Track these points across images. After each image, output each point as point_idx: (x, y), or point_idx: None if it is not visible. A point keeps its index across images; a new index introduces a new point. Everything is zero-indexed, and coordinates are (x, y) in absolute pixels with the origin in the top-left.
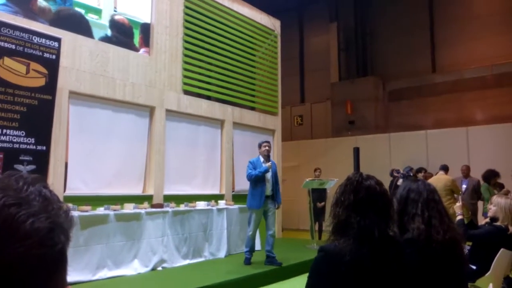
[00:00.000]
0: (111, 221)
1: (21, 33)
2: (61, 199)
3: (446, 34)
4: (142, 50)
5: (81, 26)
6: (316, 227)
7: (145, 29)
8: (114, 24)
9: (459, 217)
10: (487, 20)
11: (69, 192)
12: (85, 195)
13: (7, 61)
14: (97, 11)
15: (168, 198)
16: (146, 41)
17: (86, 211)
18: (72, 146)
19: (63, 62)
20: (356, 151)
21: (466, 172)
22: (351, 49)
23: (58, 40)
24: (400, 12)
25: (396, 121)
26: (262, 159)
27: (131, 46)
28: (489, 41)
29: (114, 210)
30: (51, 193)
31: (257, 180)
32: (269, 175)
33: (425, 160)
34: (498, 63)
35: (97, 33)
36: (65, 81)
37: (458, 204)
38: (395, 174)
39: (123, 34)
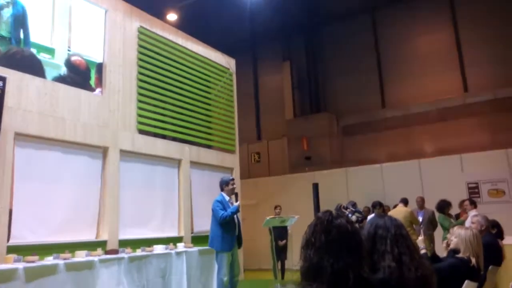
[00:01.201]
0: (61, 271)
1: None
2: (4, 250)
3: (393, 72)
4: (98, 90)
5: (32, 66)
6: (279, 266)
7: (100, 69)
8: (70, 65)
9: (422, 251)
10: (429, 59)
11: (14, 241)
12: (32, 244)
13: None
14: (50, 51)
15: (124, 243)
16: (101, 81)
17: (33, 261)
18: (18, 191)
19: (8, 102)
20: (315, 187)
21: (421, 203)
22: (304, 86)
23: (3, 79)
24: (348, 52)
25: (351, 155)
26: (228, 198)
27: (86, 87)
28: (432, 78)
29: (64, 259)
30: None
31: (228, 221)
32: (235, 215)
33: (382, 193)
34: (441, 98)
35: (50, 72)
36: (10, 122)
37: (421, 238)
38: (344, 211)
39: (79, 75)
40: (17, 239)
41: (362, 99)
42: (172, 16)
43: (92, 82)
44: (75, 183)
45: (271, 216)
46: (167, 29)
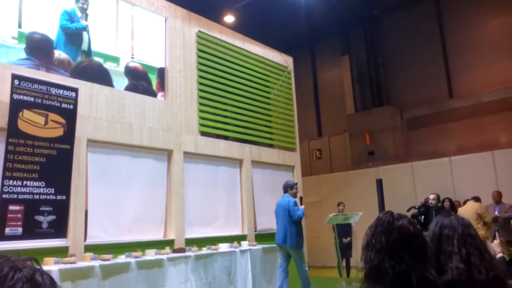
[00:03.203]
0: (133, 269)
1: (40, 86)
2: (82, 248)
3: (461, 59)
4: (159, 95)
5: (101, 76)
6: (344, 264)
7: (162, 74)
8: (129, 71)
9: (499, 255)
10: (499, 44)
11: (90, 240)
12: (106, 243)
13: (27, 113)
14: (115, 59)
15: (190, 242)
16: (162, 85)
17: (108, 259)
18: (92, 194)
19: (81, 111)
20: (379, 183)
21: (498, 198)
22: (364, 80)
23: (75, 90)
24: (411, 42)
25: (416, 149)
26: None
27: (150, 92)
28: (503, 64)
29: (136, 258)
30: (43, 277)
31: (300, 221)
32: None
33: (451, 188)
34: None
35: (116, 81)
36: (83, 130)
37: (496, 241)
38: (413, 211)
39: (140, 79)
40: (92, 239)
41: (427, 90)
42: (229, 18)
43: (154, 86)
44: (143, 185)
45: (334, 213)
46: (225, 32)
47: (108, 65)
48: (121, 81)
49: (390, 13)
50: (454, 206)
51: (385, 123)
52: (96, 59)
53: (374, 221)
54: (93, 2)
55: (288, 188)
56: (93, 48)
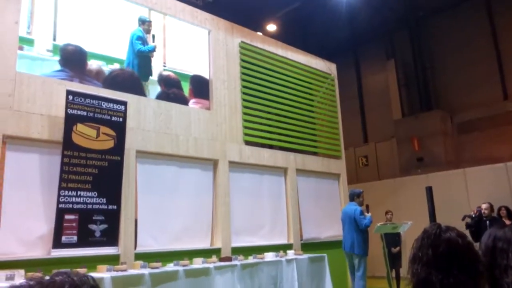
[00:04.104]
0: (181, 277)
1: (92, 100)
2: (132, 256)
3: None
4: (192, 101)
5: (133, 84)
6: (393, 274)
7: (195, 81)
8: (162, 79)
9: None
10: None
11: (140, 249)
12: (155, 251)
13: (80, 127)
14: None
15: (236, 251)
16: (196, 92)
17: (157, 267)
18: (141, 203)
19: (129, 123)
20: (429, 190)
21: None
22: (411, 84)
23: (124, 103)
24: (459, 43)
25: (469, 155)
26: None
27: (181, 99)
28: None
29: (184, 266)
30: None
31: (366, 229)
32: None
33: (508, 195)
34: None
35: (150, 89)
36: (132, 141)
37: None
38: (467, 220)
39: (172, 87)
40: (142, 247)
41: (479, 92)
42: (271, 27)
43: (186, 93)
44: (189, 194)
45: (382, 222)
46: (267, 41)
47: None
48: (154, 89)
49: (436, 14)
50: (511, 215)
51: (435, 127)
52: (128, 68)
53: (421, 233)
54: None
55: (355, 196)
56: (120, 57)
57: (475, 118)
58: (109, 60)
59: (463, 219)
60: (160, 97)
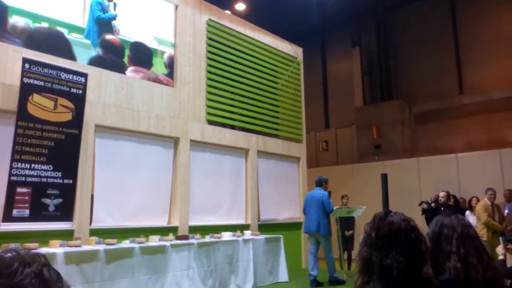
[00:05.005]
0: (137, 254)
1: (49, 70)
2: (87, 232)
3: (473, 54)
4: (130, 69)
5: (58, 45)
6: (345, 256)
7: (135, 48)
8: (105, 43)
9: (500, 257)
10: None
11: (95, 225)
12: (111, 228)
13: (36, 97)
14: (82, 30)
15: (193, 230)
16: (134, 60)
17: (112, 244)
18: (98, 179)
19: (89, 96)
20: (384, 177)
21: (509, 196)
22: (374, 73)
23: (84, 75)
24: (423, 35)
25: (424, 144)
26: None
27: (118, 65)
28: None
29: (140, 243)
30: (50, 273)
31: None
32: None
33: (456, 185)
34: None
35: (82, 52)
36: (91, 115)
37: (501, 245)
38: (424, 206)
39: (113, 53)
40: (98, 223)
41: (437, 84)
42: (240, 6)
43: (125, 60)
44: (149, 171)
45: (338, 206)
46: (235, 21)
47: (73, 36)
48: (88, 54)
49: (403, 5)
50: (458, 204)
51: (393, 116)
52: (60, 28)
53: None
54: None
55: (323, 182)
56: (57, 18)
57: (431, 110)
58: (37, 18)
59: (419, 205)
60: (93, 62)
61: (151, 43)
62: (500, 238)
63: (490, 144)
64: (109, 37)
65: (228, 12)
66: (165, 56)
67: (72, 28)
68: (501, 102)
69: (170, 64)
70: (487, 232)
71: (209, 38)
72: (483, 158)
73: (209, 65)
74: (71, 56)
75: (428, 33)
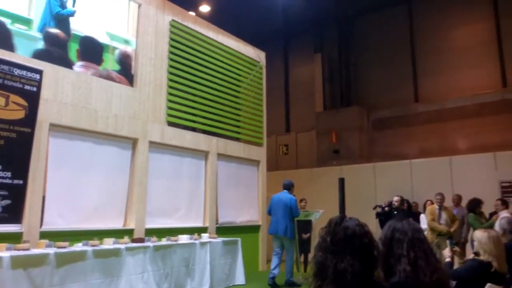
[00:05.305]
0: (89, 257)
1: (2, 65)
2: (37, 235)
3: (428, 65)
4: (78, 64)
5: None
6: (302, 259)
7: (85, 42)
8: (48, 36)
9: (447, 259)
10: (467, 52)
11: (46, 227)
12: (63, 230)
13: None
14: (26, 21)
15: (150, 232)
16: (84, 54)
17: (64, 247)
18: (51, 179)
19: (44, 94)
20: (341, 182)
21: (457, 201)
22: (335, 79)
23: (39, 72)
24: (383, 44)
25: (380, 150)
26: None
27: (67, 61)
28: (469, 71)
29: (93, 246)
30: None
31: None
32: None
33: (410, 190)
34: (478, 93)
35: (25, 44)
36: (46, 113)
37: (447, 248)
38: (378, 210)
39: (55, 46)
40: (49, 225)
41: (394, 93)
42: (205, 8)
43: (73, 55)
44: (105, 173)
45: None
46: (199, 23)
47: (16, 27)
48: (31, 46)
49: (365, 14)
50: (411, 208)
51: (352, 122)
52: (1, 18)
53: (327, 223)
54: None
55: (291, 187)
56: (1, 7)
57: (388, 117)
58: None
59: (374, 208)
60: (38, 55)
61: (102, 38)
62: (447, 241)
63: (441, 151)
64: (53, 30)
65: (192, 13)
66: (117, 52)
67: (16, 19)
68: (453, 111)
69: (122, 61)
70: (431, 234)
71: (172, 39)
72: (435, 164)
73: (171, 66)
74: (10, 48)
75: (388, 43)
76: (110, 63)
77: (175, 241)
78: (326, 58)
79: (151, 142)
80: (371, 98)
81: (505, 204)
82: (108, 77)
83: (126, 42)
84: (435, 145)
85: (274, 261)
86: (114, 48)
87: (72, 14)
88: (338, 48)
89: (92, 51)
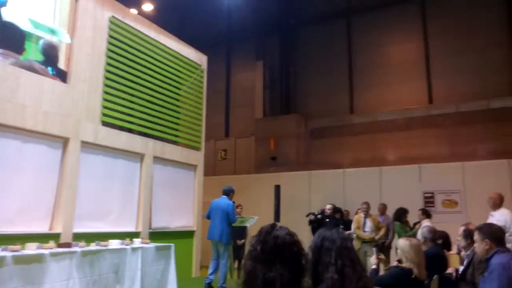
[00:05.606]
0: (8, 264)
1: None
2: None
3: (363, 78)
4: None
5: None
6: (236, 265)
7: (6, 28)
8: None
9: (373, 266)
10: (399, 68)
11: None
12: None
13: None
14: None
15: (78, 237)
16: (3, 41)
17: None
18: None
19: None
20: (277, 189)
21: (382, 210)
22: (275, 87)
23: None
24: (323, 56)
25: (316, 158)
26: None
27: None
28: (400, 87)
29: (13, 251)
30: None
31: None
32: None
33: (342, 198)
34: (407, 107)
35: None
36: None
37: (374, 255)
38: (311, 217)
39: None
40: None
41: (331, 103)
42: (148, 6)
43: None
44: (32, 173)
45: None
46: (140, 21)
47: None
48: None
49: (306, 26)
50: (343, 216)
51: (290, 130)
52: None
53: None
54: None
55: (231, 192)
56: None
57: (325, 126)
58: None
59: (307, 216)
60: None
61: (24, 25)
62: (373, 249)
63: (373, 162)
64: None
65: (134, 11)
66: (41, 42)
67: None
68: (384, 124)
69: (47, 52)
70: (356, 241)
71: (111, 36)
72: (366, 174)
73: (109, 64)
74: None
75: (327, 54)
76: (33, 53)
77: (105, 246)
78: (267, 66)
79: (83, 142)
80: (309, 107)
81: (425, 214)
82: (31, 68)
83: (52, 32)
84: (367, 155)
85: (211, 266)
86: (38, 38)
87: (4, 4)
88: (280, 56)
89: (12, 38)
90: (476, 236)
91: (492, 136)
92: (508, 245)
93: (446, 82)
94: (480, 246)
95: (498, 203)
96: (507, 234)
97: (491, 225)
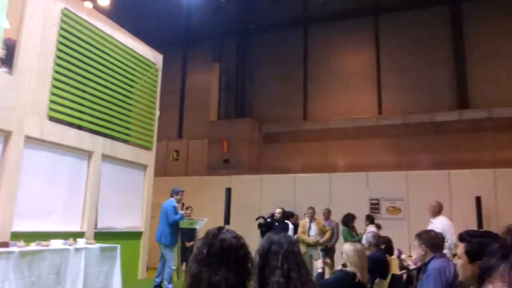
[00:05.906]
0: None
1: None
2: None
3: (317, 86)
4: None
5: None
6: (184, 267)
7: None
8: None
9: (319, 270)
10: (351, 78)
11: None
12: None
13: None
14: None
15: (17, 236)
16: None
17: None
18: None
19: None
20: (228, 191)
21: (327, 215)
22: (231, 90)
23: None
24: (278, 62)
25: (268, 163)
26: (176, 205)
27: None
28: (352, 97)
29: None
30: None
31: (176, 223)
32: None
33: (292, 203)
34: (357, 117)
35: None
36: None
37: (320, 260)
38: (260, 221)
39: None
40: None
41: (285, 109)
42: (104, 1)
43: None
44: None
45: None
46: (94, 15)
47: None
48: None
49: (264, 31)
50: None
51: (244, 134)
52: None
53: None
54: None
55: (174, 193)
56: None
57: (278, 131)
58: None
59: (257, 219)
60: None
61: None
62: (320, 253)
63: (323, 168)
64: None
65: (89, 4)
66: None
67: None
68: (335, 131)
69: None
70: (302, 245)
71: (63, 29)
72: (316, 180)
73: (59, 57)
74: None
75: (283, 61)
76: None
77: (46, 246)
78: (223, 69)
79: (27, 137)
80: (263, 112)
81: (369, 220)
82: None
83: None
84: (318, 162)
85: (159, 268)
86: None
87: None
88: (236, 60)
89: None
90: (416, 242)
91: (434, 147)
92: (445, 251)
93: (395, 95)
94: (418, 251)
95: (437, 211)
96: (445, 241)
97: (429, 232)
